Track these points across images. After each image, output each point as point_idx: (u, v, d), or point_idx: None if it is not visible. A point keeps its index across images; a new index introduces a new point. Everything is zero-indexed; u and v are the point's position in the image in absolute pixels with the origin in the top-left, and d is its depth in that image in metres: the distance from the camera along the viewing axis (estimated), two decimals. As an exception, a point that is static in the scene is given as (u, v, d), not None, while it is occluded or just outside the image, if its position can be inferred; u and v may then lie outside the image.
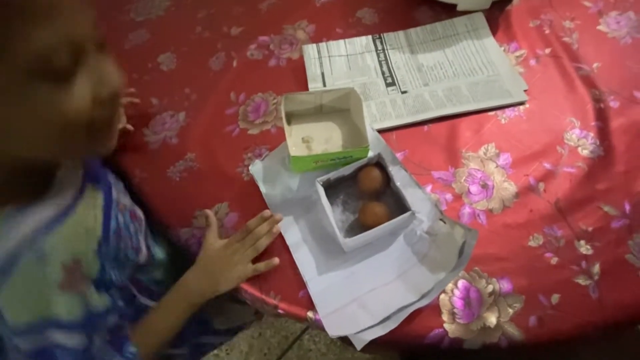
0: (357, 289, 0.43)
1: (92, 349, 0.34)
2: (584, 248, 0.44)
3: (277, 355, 1.16)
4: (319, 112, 0.53)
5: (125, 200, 0.45)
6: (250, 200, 0.51)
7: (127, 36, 0.72)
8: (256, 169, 0.51)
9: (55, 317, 0.31)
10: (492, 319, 0.41)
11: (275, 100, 0.60)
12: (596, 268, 0.42)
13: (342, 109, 0.53)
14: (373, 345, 0.42)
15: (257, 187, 0.51)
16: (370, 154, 0.48)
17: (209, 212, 0.49)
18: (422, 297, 0.40)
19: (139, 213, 0.48)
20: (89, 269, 0.34)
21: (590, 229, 0.45)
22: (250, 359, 1.17)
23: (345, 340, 0.42)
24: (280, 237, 0.48)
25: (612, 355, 0.46)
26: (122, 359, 0.37)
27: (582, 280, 0.42)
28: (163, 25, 0.73)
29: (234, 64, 0.65)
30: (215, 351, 1.18)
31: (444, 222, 0.44)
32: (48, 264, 0.30)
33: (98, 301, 0.35)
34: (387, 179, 0.47)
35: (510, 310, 0.41)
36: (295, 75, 0.62)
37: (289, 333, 1.20)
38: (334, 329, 0.41)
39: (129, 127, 0.59)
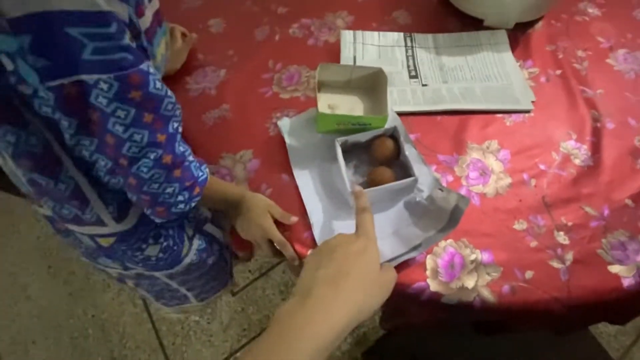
0: (356, 237, 0.48)
1: None
2: (562, 238, 0.49)
3: (255, 333, 1.18)
4: (348, 86, 0.59)
5: None
6: (273, 152, 0.57)
7: (184, -1, 0.80)
8: (284, 123, 0.57)
9: None
10: (470, 282, 0.46)
11: (308, 74, 0.66)
12: (569, 255, 0.47)
13: (367, 87, 0.59)
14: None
15: (281, 142, 0.57)
16: (387, 126, 0.54)
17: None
18: (411, 250, 0.46)
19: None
20: None
21: (570, 223, 0.50)
22: (230, 331, 1.18)
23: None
24: (294, 186, 0.53)
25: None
26: (201, 172, 0.45)
27: (555, 264, 0.47)
28: (217, -6, 0.80)
29: (277, 37, 0.72)
30: (197, 317, 1.21)
31: (441, 190, 0.49)
32: None
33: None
34: (398, 151, 0.53)
35: (488, 277, 0.46)
36: (330, 56, 0.69)
37: (271, 313, 1.22)
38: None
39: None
